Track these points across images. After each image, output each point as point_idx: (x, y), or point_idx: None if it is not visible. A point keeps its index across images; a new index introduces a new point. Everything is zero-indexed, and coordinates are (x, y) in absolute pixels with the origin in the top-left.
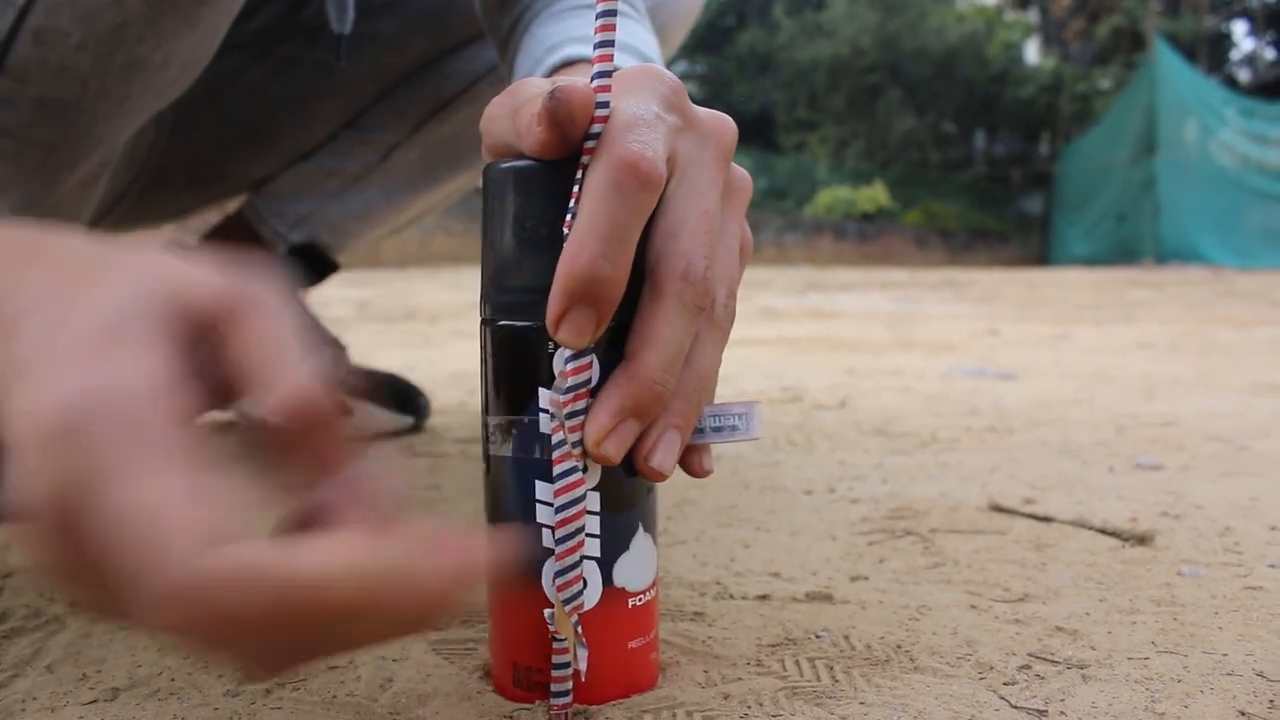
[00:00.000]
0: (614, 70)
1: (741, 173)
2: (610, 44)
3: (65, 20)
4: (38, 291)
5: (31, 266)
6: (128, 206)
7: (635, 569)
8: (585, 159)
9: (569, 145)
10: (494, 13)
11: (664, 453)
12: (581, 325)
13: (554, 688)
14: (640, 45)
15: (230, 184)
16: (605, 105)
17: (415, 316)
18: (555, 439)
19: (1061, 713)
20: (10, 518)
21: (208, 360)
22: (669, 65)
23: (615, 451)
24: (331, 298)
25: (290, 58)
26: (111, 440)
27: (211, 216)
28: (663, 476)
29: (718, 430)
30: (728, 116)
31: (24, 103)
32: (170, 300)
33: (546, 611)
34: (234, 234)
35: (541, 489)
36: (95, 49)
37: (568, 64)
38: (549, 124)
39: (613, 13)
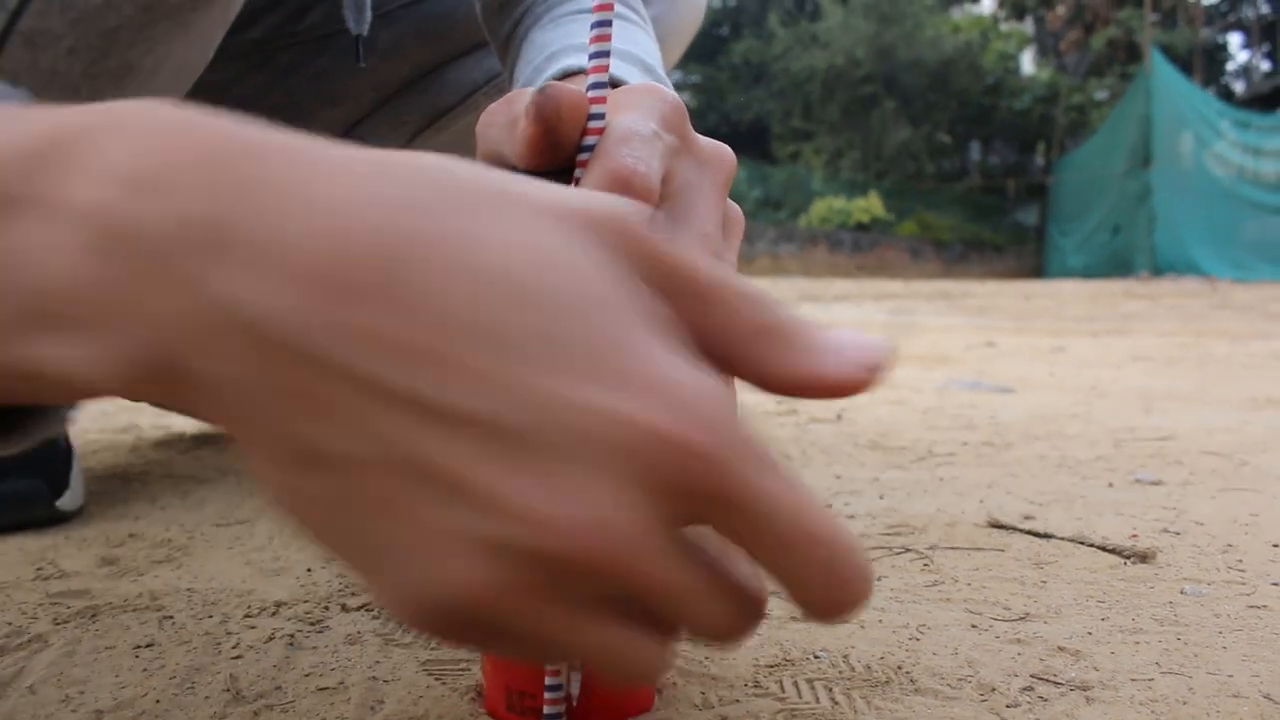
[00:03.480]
0: (609, 81)
1: (735, 206)
2: (605, 54)
3: (57, 24)
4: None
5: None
6: None
7: None
8: (578, 173)
9: (556, 147)
10: (493, 15)
11: None
12: None
13: (546, 710)
14: (642, 53)
15: None
16: (600, 117)
17: None
18: None
19: None
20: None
21: None
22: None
23: None
24: None
25: (290, 66)
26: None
27: None
28: None
29: None
30: (726, 146)
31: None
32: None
33: None
34: None
35: None
36: (87, 53)
37: (568, 75)
38: (535, 119)
39: (607, 23)
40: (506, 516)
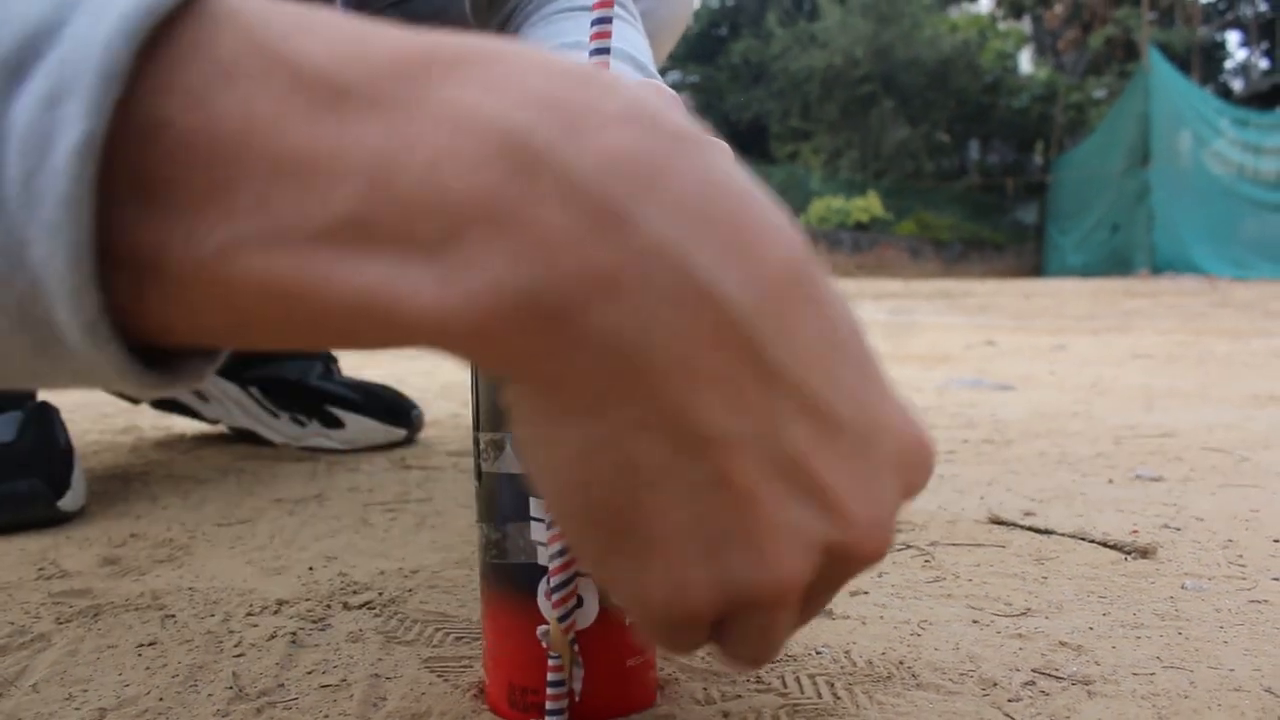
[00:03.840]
0: None
1: None
2: (606, 51)
3: None
4: None
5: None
6: None
7: None
8: None
9: None
10: (482, 12)
11: None
12: None
13: (549, 705)
14: (635, 51)
15: None
16: None
17: None
18: None
19: None
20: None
21: None
22: (660, 73)
23: None
24: None
25: None
26: None
27: None
28: None
29: None
30: (723, 142)
31: None
32: None
33: (540, 628)
34: None
35: (535, 505)
36: None
37: None
38: None
39: (608, 20)
40: (843, 521)
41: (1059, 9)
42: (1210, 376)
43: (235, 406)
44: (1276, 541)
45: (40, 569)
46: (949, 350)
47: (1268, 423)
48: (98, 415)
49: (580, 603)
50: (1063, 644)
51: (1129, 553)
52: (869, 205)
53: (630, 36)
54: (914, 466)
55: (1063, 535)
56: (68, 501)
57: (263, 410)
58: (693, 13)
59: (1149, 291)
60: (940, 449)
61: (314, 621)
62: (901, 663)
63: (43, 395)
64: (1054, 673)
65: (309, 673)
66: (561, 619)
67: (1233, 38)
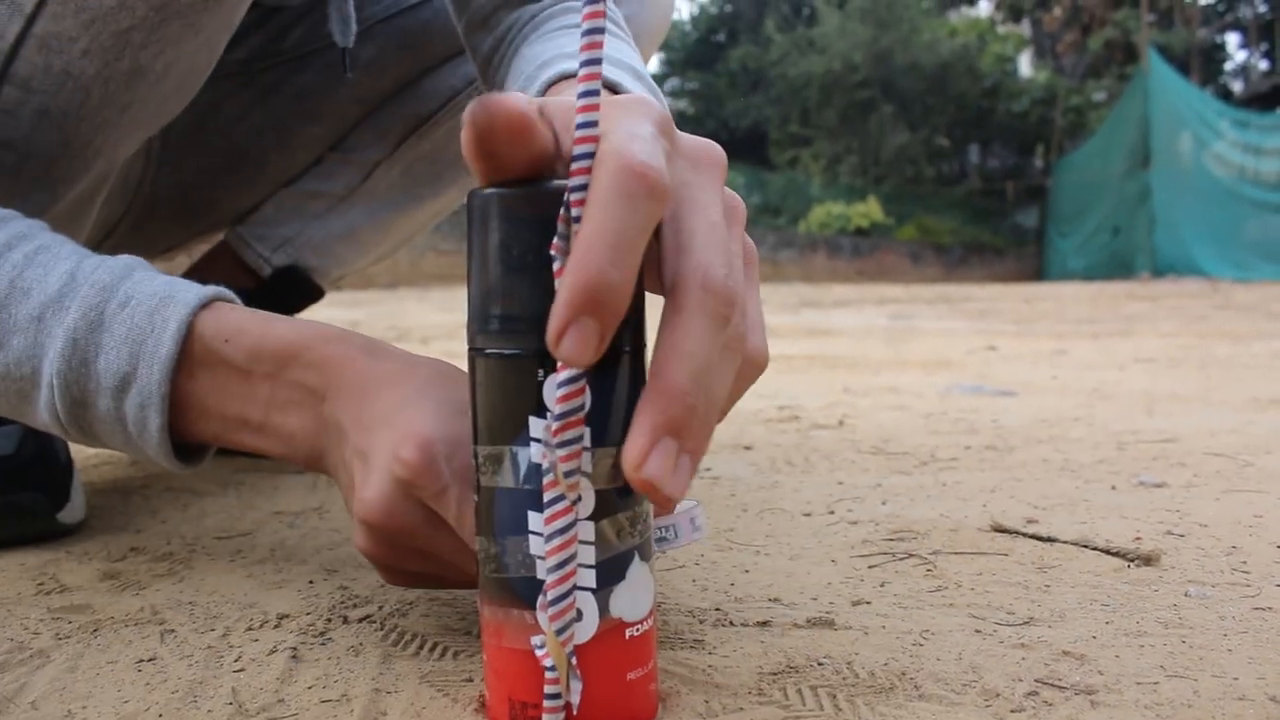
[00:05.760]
0: (600, 89)
1: (734, 194)
2: (597, 62)
3: (71, 26)
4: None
5: (377, 358)
6: (119, 240)
7: (632, 598)
8: (572, 181)
9: (493, 157)
10: (476, 31)
11: (676, 477)
12: (585, 338)
13: (546, 719)
14: (633, 62)
15: (219, 214)
16: (593, 125)
17: (407, 338)
18: (545, 466)
19: None
20: (364, 520)
21: None
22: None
23: (658, 472)
24: (322, 319)
25: (273, 85)
26: (455, 472)
27: (201, 250)
28: (672, 503)
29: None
30: (714, 143)
31: (26, 113)
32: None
33: (535, 639)
34: (219, 262)
35: (533, 519)
36: (101, 55)
37: (562, 78)
38: (467, 128)
39: (599, 30)
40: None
41: (1058, 12)
42: (1212, 380)
43: None
44: None
45: (40, 584)
46: (950, 356)
47: (1269, 427)
48: None
49: (579, 616)
50: (1066, 653)
51: (1132, 560)
52: (869, 211)
53: (624, 50)
54: (396, 457)
55: (1065, 543)
56: (67, 514)
57: None
58: (672, 19)
59: (1150, 294)
60: (942, 456)
61: (314, 636)
62: (904, 674)
63: None
64: (1057, 682)
65: (309, 687)
66: (559, 632)
67: (1232, 39)
